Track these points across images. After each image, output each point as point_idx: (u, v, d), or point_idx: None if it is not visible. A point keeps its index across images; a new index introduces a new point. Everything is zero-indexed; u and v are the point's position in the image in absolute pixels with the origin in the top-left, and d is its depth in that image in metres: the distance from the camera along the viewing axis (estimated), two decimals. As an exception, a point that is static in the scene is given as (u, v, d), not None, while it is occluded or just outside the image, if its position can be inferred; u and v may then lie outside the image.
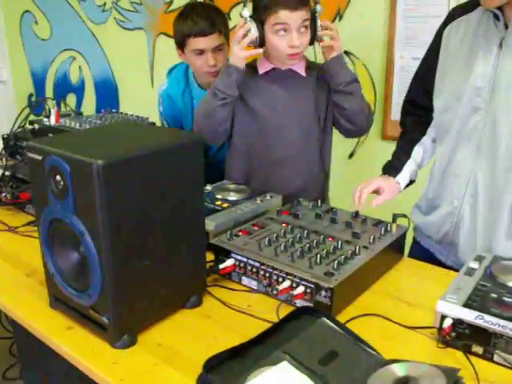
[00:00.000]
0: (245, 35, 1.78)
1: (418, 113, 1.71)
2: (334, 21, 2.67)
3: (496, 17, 1.42)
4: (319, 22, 1.81)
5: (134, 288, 1.12)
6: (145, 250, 1.12)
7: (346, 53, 2.65)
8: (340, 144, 2.62)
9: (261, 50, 1.84)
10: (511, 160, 1.43)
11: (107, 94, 3.93)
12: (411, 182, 1.72)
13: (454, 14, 1.58)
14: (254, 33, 1.77)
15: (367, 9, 2.59)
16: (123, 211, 1.05)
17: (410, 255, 1.66)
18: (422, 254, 1.68)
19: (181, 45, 2.19)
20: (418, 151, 1.69)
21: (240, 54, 1.80)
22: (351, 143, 2.75)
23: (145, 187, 1.08)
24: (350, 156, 2.78)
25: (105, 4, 3.74)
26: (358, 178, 2.67)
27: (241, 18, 1.79)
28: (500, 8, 1.40)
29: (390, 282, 1.43)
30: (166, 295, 1.21)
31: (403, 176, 1.68)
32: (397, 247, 1.49)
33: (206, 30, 2.10)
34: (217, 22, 2.13)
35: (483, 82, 1.45)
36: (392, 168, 1.69)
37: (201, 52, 2.14)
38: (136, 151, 1.06)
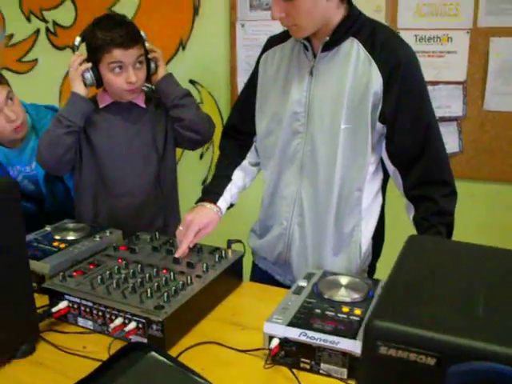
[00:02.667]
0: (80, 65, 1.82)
1: (238, 137, 1.77)
2: (177, 51, 2.72)
3: (306, 47, 1.51)
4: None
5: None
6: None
7: (192, 81, 2.71)
8: (191, 172, 2.68)
9: None
10: (330, 179, 1.52)
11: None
12: (231, 205, 1.73)
13: (270, 43, 1.66)
14: (87, 65, 1.82)
15: (209, 38, 2.67)
16: None
17: (251, 279, 1.71)
18: (262, 276, 1.74)
19: None
20: (238, 175, 1.72)
21: (78, 87, 1.83)
22: (203, 171, 2.80)
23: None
24: (203, 183, 2.83)
25: None
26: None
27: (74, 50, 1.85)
28: (308, 39, 1.50)
29: (228, 307, 1.46)
30: (-10, 348, 1.15)
31: (224, 200, 1.67)
32: (234, 272, 1.53)
33: None
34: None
35: (300, 107, 1.53)
36: (213, 193, 1.68)
37: None
38: None
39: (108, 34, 1.76)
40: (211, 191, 1.69)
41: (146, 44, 1.87)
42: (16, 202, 1.18)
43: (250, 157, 1.75)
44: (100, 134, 1.93)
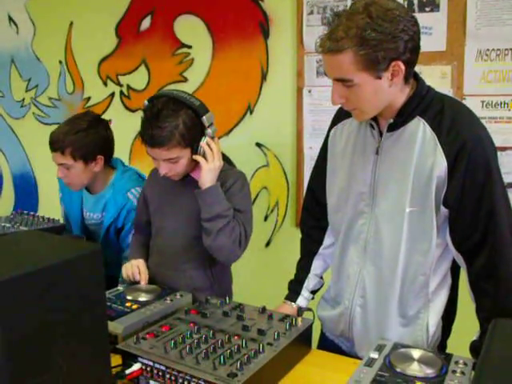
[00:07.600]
0: None
1: (317, 212, 1.75)
2: (245, 115, 2.80)
3: (372, 125, 1.50)
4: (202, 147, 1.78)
5: (32, 405, 1.09)
6: (43, 364, 1.09)
7: (258, 144, 2.78)
8: (256, 234, 2.71)
9: None
10: (394, 263, 1.49)
11: (26, 189, 3.87)
12: (317, 290, 1.80)
13: (339, 116, 1.65)
14: None
15: (276, 103, 2.74)
16: (19, 327, 1.03)
17: (320, 344, 1.69)
18: (329, 343, 1.72)
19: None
20: (317, 264, 1.77)
21: None
22: (267, 232, 2.84)
23: (41, 301, 1.07)
24: (267, 245, 2.85)
25: (23, 100, 3.76)
26: (274, 265, 2.75)
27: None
28: (374, 117, 1.48)
29: (297, 375, 1.44)
30: (68, 408, 1.18)
31: (304, 297, 1.76)
32: (303, 340, 1.52)
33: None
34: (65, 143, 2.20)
35: (365, 187, 1.52)
36: (292, 292, 1.78)
37: None
38: (31, 267, 1.06)
39: (143, 125, 1.77)
40: (291, 290, 1.80)
41: (203, 141, 1.78)
42: (99, 266, 1.22)
43: (329, 237, 1.76)
44: (159, 200, 1.99)
